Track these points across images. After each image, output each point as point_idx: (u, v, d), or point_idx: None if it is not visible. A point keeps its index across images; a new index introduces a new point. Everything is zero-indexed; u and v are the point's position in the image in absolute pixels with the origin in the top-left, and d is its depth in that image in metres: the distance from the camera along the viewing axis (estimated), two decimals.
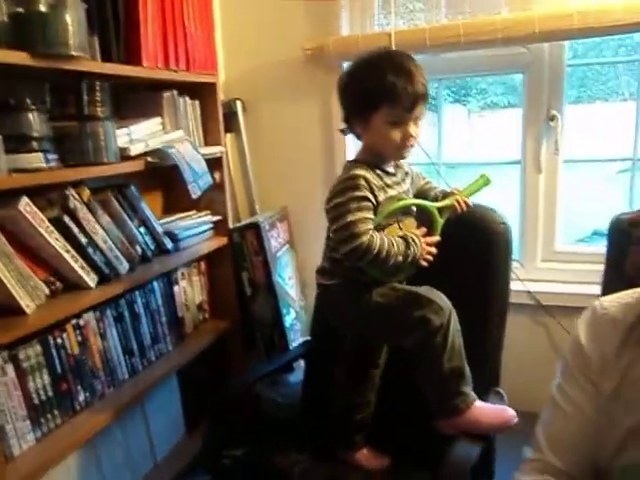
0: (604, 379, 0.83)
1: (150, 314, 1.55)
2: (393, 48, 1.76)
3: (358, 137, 1.25)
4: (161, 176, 1.66)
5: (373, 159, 1.21)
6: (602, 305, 0.89)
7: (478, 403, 1.22)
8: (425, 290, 1.22)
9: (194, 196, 1.49)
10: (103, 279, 1.35)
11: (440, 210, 1.26)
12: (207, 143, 1.74)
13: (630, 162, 1.85)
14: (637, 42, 1.79)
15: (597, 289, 1.82)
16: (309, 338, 1.70)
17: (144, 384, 1.47)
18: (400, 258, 1.16)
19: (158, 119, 1.54)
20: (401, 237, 1.17)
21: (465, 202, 1.27)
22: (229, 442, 1.70)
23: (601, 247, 1.96)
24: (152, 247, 1.54)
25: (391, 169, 1.24)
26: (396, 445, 1.35)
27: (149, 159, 1.41)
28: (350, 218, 1.13)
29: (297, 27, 1.98)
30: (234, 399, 1.61)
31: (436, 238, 1.25)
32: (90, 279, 1.31)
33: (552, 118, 1.82)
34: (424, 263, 1.23)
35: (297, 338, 1.95)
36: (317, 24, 1.95)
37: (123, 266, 1.40)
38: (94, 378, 1.36)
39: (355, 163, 1.21)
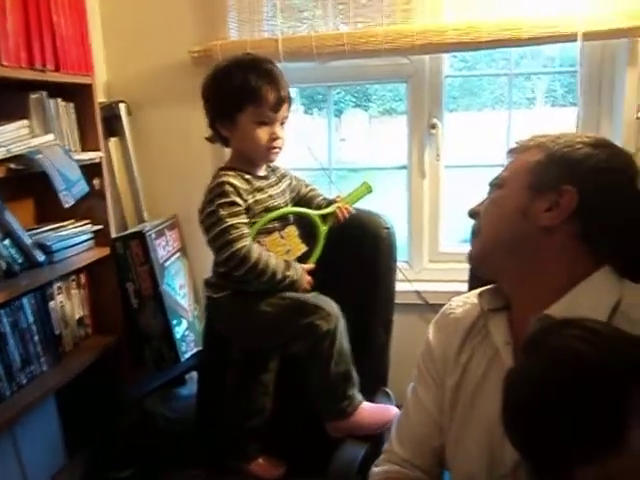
0: (447, 375, 0.89)
1: (19, 334, 1.42)
2: (280, 56, 1.77)
3: (225, 143, 1.27)
4: (32, 184, 1.53)
5: (242, 165, 1.22)
6: (451, 305, 0.96)
7: (364, 405, 1.26)
8: (313, 297, 1.24)
9: (66, 205, 1.39)
10: None
11: (323, 218, 1.28)
12: (85, 148, 1.63)
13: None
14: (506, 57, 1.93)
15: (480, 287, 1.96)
16: (200, 349, 1.67)
17: (13, 411, 1.34)
18: (278, 277, 1.18)
19: (24, 122, 1.42)
20: (284, 259, 1.20)
21: (347, 209, 1.30)
22: (118, 464, 1.61)
23: None
24: (20, 260, 1.42)
25: (262, 172, 1.26)
26: (291, 452, 1.35)
27: (12, 166, 1.29)
28: (222, 225, 1.14)
29: (184, 29, 1.92)
30: (122, 418, 1.54)
31: (311, 265, 1.28)
32: None
33: (433, 126, 1.91)
34: (303, 246, 1.26)
35: (190, 349, 1.89)
36: (204, 27, 1.91)
37: None
38: None
39: (221, 170, 1.23)
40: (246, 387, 1.34)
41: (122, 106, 1.95)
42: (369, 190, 1.34)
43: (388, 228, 1.44)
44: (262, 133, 1.18)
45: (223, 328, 1.35)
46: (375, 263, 1.43)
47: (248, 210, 1.19)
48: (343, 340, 1.22)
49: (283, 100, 1.19)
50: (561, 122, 2.12)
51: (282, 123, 1.22)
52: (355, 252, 1.43)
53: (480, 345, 0.87)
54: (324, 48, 1.80)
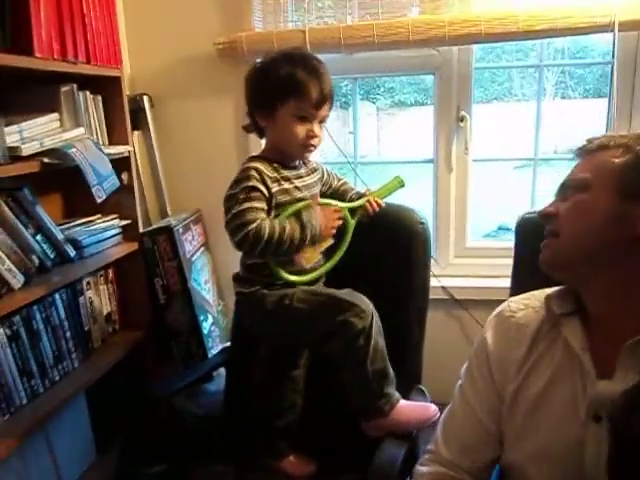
0: (508, 381, 0.87)
1: (52, 330, 1.40)
2: (307, 47, 1.74)
3: (261, 134, 1.25)
4: (61, 178, 1.51)
5: (274, 155, 1.20)
6: (510, 308, 0.92)
7: (401, 402, 1.24)
8: (346, 293, 1.21)
9: (99, 200, 1.37)
10: None
11: (352, 211, 1.26)
12: (112, 142, 1.61)
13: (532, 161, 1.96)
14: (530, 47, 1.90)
15: (506, 282, 1.93)
16: (229, 344, 1.65)
17: (46, 408, 1.33)
18: (297, 239, 1.15)
19: (55, 115, 1.40)
20: (295, 217, 1.17)
21: (377, 203, 1.28)
22: (147, 460, 1.61)
23: (508, 242, 2.10)
24: (52, 256, 1.40)
25: (293, 163, 1.23)
26: (323, 449, 1.33)
27: (45, 160, 1.27)
28: (238, 208, 1.12)
29: (208, 21, 1.90)
30: (151, 415, 1.53)
31: (336, 209, 1.24)
32: None
33: (462, 119, 1.88)
34: (329, 235, 1.23)
35: (216, 344, 1.88)
36: (229, 19, 1.89)
37: (17, 279, 1.25)
38: None
39: (252, 158, 1.21)
40: (276, 384, 1.33)
41: (145, 99, 1.93)
42: (401, 184, 1.31)
43: (423, 223, 1.41)
44: (300, 129, 1.16)
45: (254, 324, 1.33)
46: (410, 258, 1.41)
47: (271, 198, 1.16)
48: (378, 337, 1.20)
49: (326, 98, 1.17)
50: (589, 114, 2.09)
51: (321, 122, 1.20)
52: (389, 247, 1.40)
53: (547, 351, 0.84)
54: (352, 39, 1.77)
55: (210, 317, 1.86)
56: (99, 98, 1.57)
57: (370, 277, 1.35)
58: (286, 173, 1.20)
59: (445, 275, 2.00)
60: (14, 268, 1.24)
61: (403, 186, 1.32)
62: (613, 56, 1.70)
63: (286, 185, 1.19)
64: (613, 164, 0.77)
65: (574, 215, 0.80)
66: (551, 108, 1.93)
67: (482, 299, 1.91)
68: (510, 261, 1.89)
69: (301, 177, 1.24)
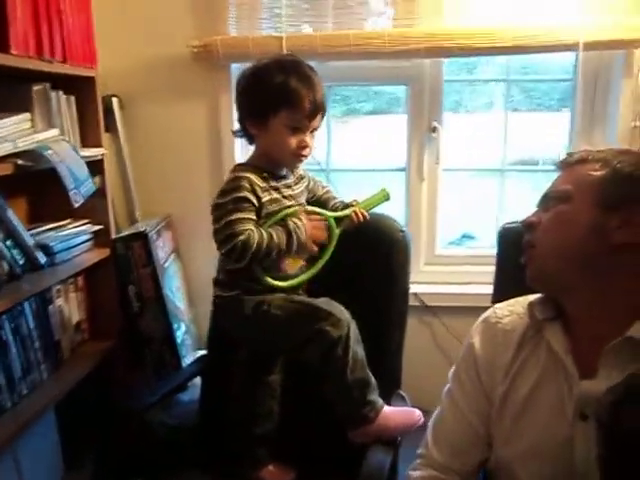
0: (496, 384, 0.90)
1: (21, 340, 1.33)
2: (293, 55, 1.73)
3: (251, 140, 1.24)
4: (27, 180, 1.43)
5: (263, 164, 1.20)
6: (496, 314, 0.96)
7: (386, 408, 1.25)
8: (323, 302, 1.22)
9: (76, 205, 1.31)
10: None
11: (337, 220, 1.26)
12: (85, 144, 1.55)
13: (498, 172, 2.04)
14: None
15: (476, 288, 1.99)
16: (204, 353, 1.62)
17: (14, 425, 1.26)
18: (283, 248, 1.16)
19: (27, 115, 1.33)
20: (282, 227, 1.17)
21: (362, 214, 1.29)
22: (121, 474, 1.55)
23: (475, 250, 2.17)
24: (21, 262, 1.33)
25: (282, 172, 1.23)
26: (303, 456, 1.32)
27: (19, 162, 1.20)
28: (228, 218, 1.12)
29: (181, 22, 1.86)
30: (123, 428, 1.48)
31: (320, 218, 1.24)
32: None
33: (433, 129, 1.93)
34: (314, 248, 1.23)
35: (188, 353, 1.83)
36: (203, 22, 1.85)
37: None
38: None
39: (241, 166, 1.20)
40: (252, 389, 1.31)
41: (115, 100, 1.87)
42: (387, 198, 1.33)
43: (403, 231, 1.44)
44: (292, 139, 1.16)
45: (231, 328, 1.31)
46: (391, 265, 1.42)
47: (261, 208, 1.16)
48: (356, 347, 1.20)
49: (318, 109, 1.17)
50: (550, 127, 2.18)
51: (312, 131, 1.20)
52: (370, 255, 1.42)
53: (532, 355, 0.88)
54: (329, 48, 1.78)
55: (183, 325, 1.82)
56: (72, 99, 1.50)
57: (351, 284, 1.35)
58: (275, 183, 1.20)
59: (416, 282, 2.03)
60: None
61: (389, 199, 1.34)
62: (576, 73, 1.80)
63: (275, 195, 1.19)
64: (593, 177, 0.81)
65: (556, 225, 0.83)
66: (506, 120, 2.02)
67: (451, 305, 1.97)
68: (478, 268, 1.99)
69: (289, 187, 1.24)
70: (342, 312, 1.19)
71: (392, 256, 1.42)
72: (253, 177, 1.15)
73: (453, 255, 2.12)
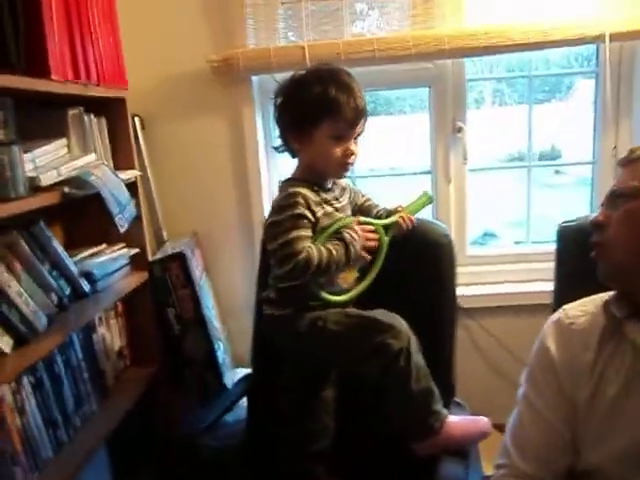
0: (579, 388, 0.88)
1: (71, 372, 1.29)
2: (307, 63, 1.71)
3: (293, 155, 1.22)
4: (62, 206, 1.40)
5: (310, 177, 1.18)
6: (568, 315, 0.94)
7: (451, 418, 1.22)
8: (381, 314, 1.19)
9: (122, 230, 1.28)
10: (20, 341, 1.09)
11: (386, 228, 1.24)
12: (117, 167, 1.51)
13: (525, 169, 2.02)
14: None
15: (509, 287, 1.97)
16: (248, 372, 1.59)
17: (71, 461, 1.21)
18: (342, 261, 1.14)
19: (63, 141, 1.30)
20: (338, 239, 1.15)
21: (410, 219, 1.27)
22: None
23: (505, 249, 2.16)
24: (67, 292, 1.29)
25: (329, 185, 1.22)
26: (362, 471, 1.29)
27: (66, 189, 1.17)
28: (286, 237, 1.10)
29: (199, 38, 1.83)
30: (175, 456, 1.44)
31: (370, 227, 1.22)
32: (4, 343, 1.04)
33: (459, 130, 1.92)
34: (368, 257, 1.21)
35: (227, 372, 1.79)
36: (220, 36, 1.82)
37: (41, 322, 1.14)
38: (14, 465, 1.08)
39: (292, 181, 1.18)
40: (305, 406, 1.29)
41: (137, 120, 1.83)
42: (430, 200, 1.32)
43: (447, 235, 1.42)
44: (337, 149, 1.14)
45: (284, 347, 1.28)
46: (438, 273, 1.40)
47: (316, 223, 1.15)
48: (418, 356, 1.18)
49: (361, 115, 1.15)
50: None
51: (356, 138, 1.18)
52: (416, 262, 1.39)
53: (615, 354, 0.86)
54: (353, 54, 1.76)
55: (221, 345, 1.78)
56: (103, 121, 1.47)
57: (397, 293, 1.32)
58: (326, 196, 1.19)
59: None
60: (38, 310, 1.13)
61: (432, 202, 1.33)
62: (598, 65, 1.79)
63: (328, 208, 1.18)
64: None
65: (628, 222, 0.82)
66: (530, 114, 2.01)
67: (487, 306, 1.95)
68: (510, 267, 1.98)
69: (337, 199, 1.22)
70: (402, 323, 1.17)
71: (439, 261, 1.40)
72: (306, 192, 1.14)
73: (483, 255, 2.10)
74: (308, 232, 1.12)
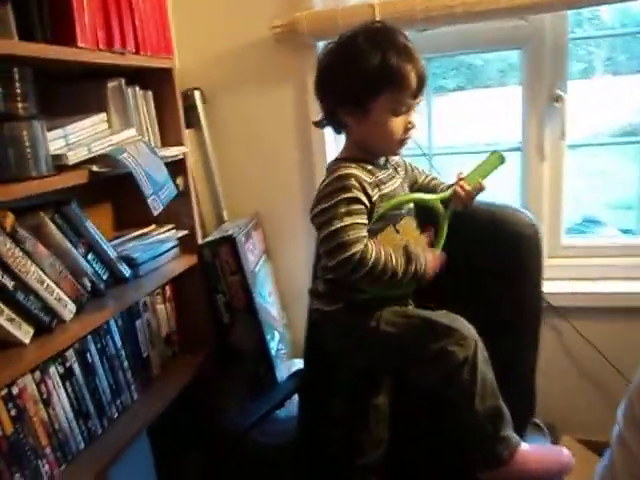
0: None
1: (108, 361, 1.23)
2: (381, 22, 1.51)
3: (340, 131, 1.06)
4: (106, 184, 1.33)
5: (362, 155, 1.03)
6: None
7: (523, 446, 1.03)
8: (443, 316, 1.03)
9: (155, 212, 1.18)
10: (41, 330, 1.03)
11: (444, 203, 1.05)
12: (165, 143, 1.42)
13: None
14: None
15: (609, 285, 1.67)
16: (300, 367, 1.47)
17: (107, 453, 1.16)
18: (399, 275, 0.97)
19: (103, 115, 1.21)
20: (403, 251, 0.99)
21: (472, 186, 1.05)
22: None
23: (612, 239, 1.84)
24: (104, 277, 1.22)
25: (380, 162, 1.07)
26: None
27: (94, 168, 1.08)
28: (338, 225, 0.94)
29: (260, 2, 1.69)
30: (224, 451, 1.37)
31: (439, 252, 1.06)
32: (22, 333, 0.98)
33: (557, 99, 1.62)
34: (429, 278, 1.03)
35: (283, 363, 1.68)
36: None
37: (68, 309, 1.08)
38: (37, 458, 1.03)
39: (342, 161, 1.02)
40: (358, 415, 1.16)
41: (197, 94, 1.74)
42: (502, 160, 1.07)
43: (534, 225, 1.19)
44: (397, 123, 0.98)
45: (335, 346, 1.15)
46: (519, 270, 1.19)
47: (372, 209, 0.99)
48: (485, 369, 1.01)
49: (423, 83, 0.99)
50: None
51: (416, 109, 1.02)
52: (492, 256, 1.18)
53: None
54: (431, 12, 1.52)
55: (277, 334, 1.67)
56: (149, 94, 1.37)
57: (468, 292, 1.13)
58: (381, 175, 1.03)
59: None
60: (64, 297, 1.07)
61: (504, 162, 1.08)
62: None
63: (384, 189, 1.02)
64: None
65: None
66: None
67: (584, 306, 1.66)
68: (613, 261, 1.67)
69: (392, 178, 1.06)
70: (468, 328, 1.01)
71: (522, 256, 1.19)
72: (360, 173, 0.98)
73: (582, 246, 1.79)
74: (363, 219, 0.97)
